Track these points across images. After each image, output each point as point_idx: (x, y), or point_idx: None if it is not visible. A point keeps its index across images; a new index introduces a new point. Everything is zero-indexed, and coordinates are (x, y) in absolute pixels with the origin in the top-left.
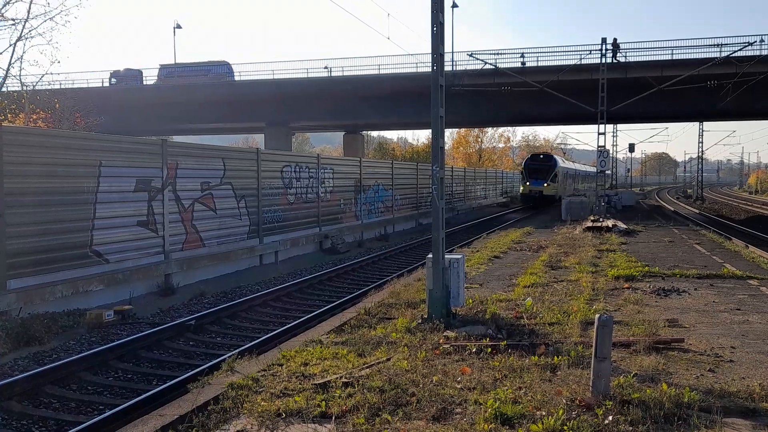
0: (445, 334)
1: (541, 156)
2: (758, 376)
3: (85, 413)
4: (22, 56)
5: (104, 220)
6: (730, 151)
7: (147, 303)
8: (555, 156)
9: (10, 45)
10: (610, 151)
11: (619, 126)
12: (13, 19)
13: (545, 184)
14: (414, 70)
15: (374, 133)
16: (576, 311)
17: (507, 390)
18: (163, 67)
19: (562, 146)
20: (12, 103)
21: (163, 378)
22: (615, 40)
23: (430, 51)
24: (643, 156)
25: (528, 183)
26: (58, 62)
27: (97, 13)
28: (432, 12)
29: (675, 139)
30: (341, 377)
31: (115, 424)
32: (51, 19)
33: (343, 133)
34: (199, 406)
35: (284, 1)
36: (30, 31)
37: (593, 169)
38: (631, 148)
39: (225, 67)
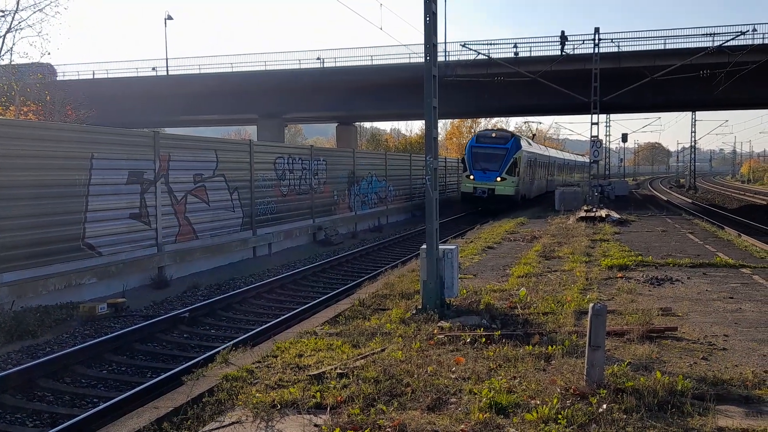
0: (439, 324)
1: (494, 135)
2: (751, 364)
3: (80, 406)
4: (11, 48)
5: (96, 213)
6: (722, 140)
7: (140, 296)
8: (516, 135)
9: (0, 37)
10: (603, 141)
11: (612, 116)
12: (2, 11)
13: (498, 178)
14: (407, 60)
15: (367, 125)
16: (570, 301)
17: (501, 379)
18: None
19: (531, 124)
20: (2, 95)
21: (157, 370)
22: (563, 32)
23: (423, 41)
24: (636, 146)
25: (471, 176)
26: (48, 54)
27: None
28: (425, 1)
29: (668, 129)
30: (336, 368)
31: (110, 417)
32: (41, 10)
33: (336, 124)
34: (193, 398)
35: None
36: (20, 22)
37: (574, 158)
38: (624, 137)
39: (47, 69)
